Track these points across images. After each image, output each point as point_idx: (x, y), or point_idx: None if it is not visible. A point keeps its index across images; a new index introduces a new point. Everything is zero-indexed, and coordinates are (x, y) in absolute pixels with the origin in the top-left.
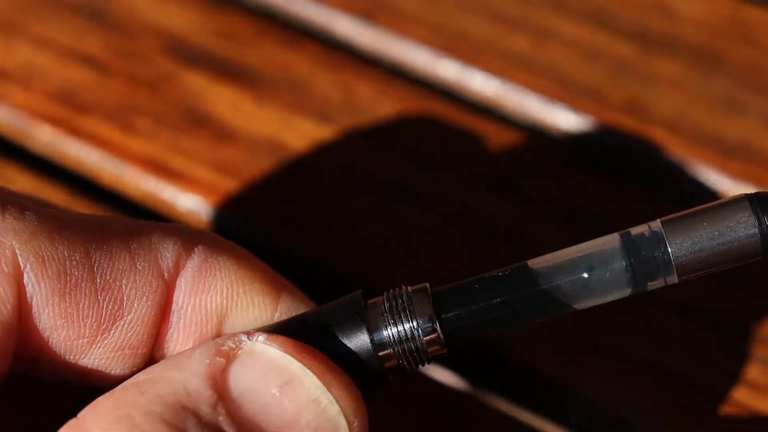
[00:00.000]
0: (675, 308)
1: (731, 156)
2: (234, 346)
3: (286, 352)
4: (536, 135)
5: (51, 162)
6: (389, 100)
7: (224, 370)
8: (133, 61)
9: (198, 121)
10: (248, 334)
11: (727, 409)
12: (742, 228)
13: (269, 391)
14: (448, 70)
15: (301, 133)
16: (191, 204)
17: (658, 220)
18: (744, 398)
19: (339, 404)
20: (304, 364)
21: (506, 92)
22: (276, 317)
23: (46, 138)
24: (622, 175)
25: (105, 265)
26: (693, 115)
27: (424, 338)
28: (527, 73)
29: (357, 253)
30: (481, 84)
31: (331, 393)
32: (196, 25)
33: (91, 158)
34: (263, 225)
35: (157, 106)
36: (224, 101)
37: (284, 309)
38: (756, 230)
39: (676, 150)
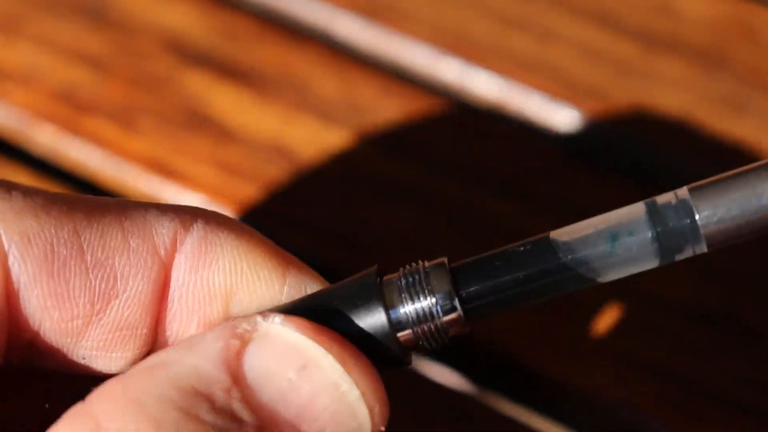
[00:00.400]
0: (675, 308)
1: (735, 155)
2: (249, 328)
3: (304, 334)
4: (539, 134)
5: (52, 162)
6: (391, 100)
7: (239, 354)
8: (134, 61)
9: (199, 121)
10: (263, 315)
11: (727, 409)
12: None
13: (286, 375)
14: (450, 69)
15: (303, 133)
16: (193, 204)
17: (685, 187)
18: (744, 398)
19: (359, 389)
20: (323, 347)
21: (509, 92)
22: (285, 293)
23: (46, 138)
24: (624, 174)
25: (95, 243)
26: (696, 115)
27: (444, 317)
28: (530, 73)
29: (358, 252)
30: (483, 83)
31: (351, 377)
32: (198, 24)
33: (92, 158)
34: (264, 224)
35: (159, 106)
36: (226, 101)
37: (293, 284)
38: None
39: (680, 150)
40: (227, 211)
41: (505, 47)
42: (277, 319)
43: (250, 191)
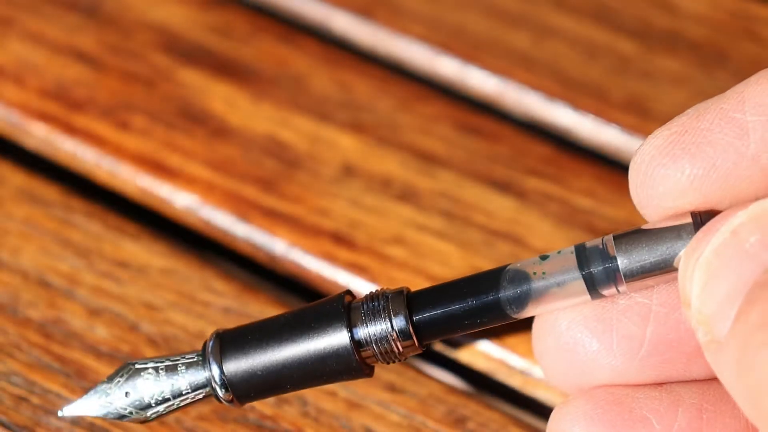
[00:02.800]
0: None
1: None
2: None
3: None
4: (536, 133)
5: (45, 159)
6: (387, 97)
7: None
8: (128, 58)
9: (194, 118)
10: None
11: None
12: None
13: None
14: (447, 67)
15: (299, 130)
16: (187, 202)
17: (611, 234)
18: None
19: None
20: None
21: (506, 89)
22: None
23: (40, 135)
24: (622, 173)
25: None
26: None
27: (397, 337)
28: (527, 71)
29: (354, 251)
30: (480, 81)
31: None
32: (192, 21)
33: (85, 155)
34: (260, 223)
35: (153, 103)
36: (221, 98)
37: None
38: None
39: None
40: (221, 209)
41: (502, 44)
42: None
43: (244, 188)
